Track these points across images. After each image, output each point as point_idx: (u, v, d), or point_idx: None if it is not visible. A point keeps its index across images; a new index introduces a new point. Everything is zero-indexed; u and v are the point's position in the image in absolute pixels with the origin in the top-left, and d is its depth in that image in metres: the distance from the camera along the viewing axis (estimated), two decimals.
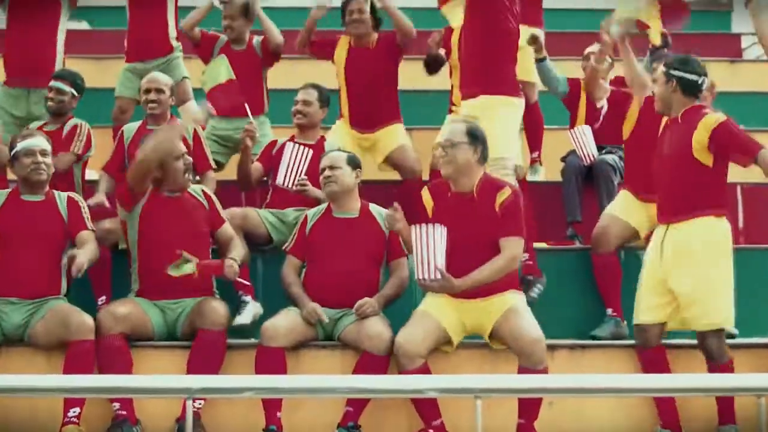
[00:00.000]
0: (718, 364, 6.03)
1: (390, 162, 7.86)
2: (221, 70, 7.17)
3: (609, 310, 6.95)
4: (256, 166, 7.24)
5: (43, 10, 7.98)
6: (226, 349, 6.10)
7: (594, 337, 6.76)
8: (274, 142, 7.37)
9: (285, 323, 6.13)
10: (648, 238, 6.57)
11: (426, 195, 6.30)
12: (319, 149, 7.09)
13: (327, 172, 6.42)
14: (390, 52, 7.79)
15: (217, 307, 6.12)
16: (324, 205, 6.54)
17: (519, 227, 6.07)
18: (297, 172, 6.92)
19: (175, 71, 8.16)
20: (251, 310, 6.76)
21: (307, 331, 6.23)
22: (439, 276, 5.84)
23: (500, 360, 6.14)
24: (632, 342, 6.39)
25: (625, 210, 6.96)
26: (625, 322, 6.85)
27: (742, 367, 6.12)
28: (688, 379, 4.94)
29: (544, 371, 5.89)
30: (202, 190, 6.49)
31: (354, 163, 6.50)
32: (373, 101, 7.74)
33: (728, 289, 6.08)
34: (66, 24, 8.10)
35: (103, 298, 6.65)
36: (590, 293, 7.12)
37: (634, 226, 6.93)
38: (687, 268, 6.06)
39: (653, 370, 6.10)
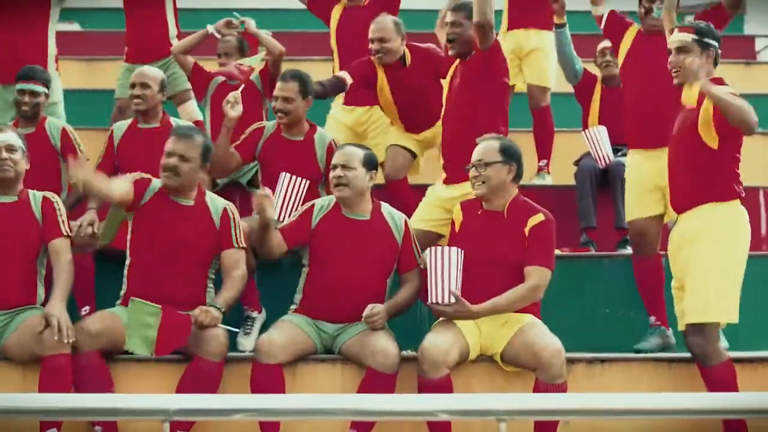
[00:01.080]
0: (706, 365, 5.49)
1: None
2: None
3: (652, 319, 6.40)
4: (234, 154, 6.52)
5: (31, 11, 7.49)
6: (220, 380, 5.55)
7: (638, 351, 6.21)
8: (260, 131, 6.64)
9: (282, 338, 5.59)
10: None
11: (457, 210, 5.85)
12: (309, 144, 6.55)
13: (339, 172, 5.77)
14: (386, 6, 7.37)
15: (220, 334, 5.53)
16: (333, 199, 5.91)
17: (547, 257, 5.61)
18: (293, 205, 6.22)
19: (176, 80, 7.81)
20: (257, 328, 6.26)
21: (306, 345, 5.70)
22: (453, 300, 5.41)
23: (514, 375, 5.64)
24: (652, 356, 6.00)
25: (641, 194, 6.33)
26: (670, 330, 6.29)
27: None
28: (736, 398, 4.31)
29: (563, 386, 5.40)
30: (225, 208, 5.82)
31: (370, 164, 5.84)
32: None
33: (723, 280, 5.48)
34: (56, 25, 7.61)
35: (87, 308, 6.14)
36: (606, 303, 6.68)
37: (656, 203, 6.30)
38: (685, 259, 5.58)
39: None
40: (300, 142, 6.56)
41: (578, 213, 7.43)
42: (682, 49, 5.58)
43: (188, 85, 7.74)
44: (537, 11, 8.04)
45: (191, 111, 7.96)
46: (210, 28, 7.53)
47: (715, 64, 5.64)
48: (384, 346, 5.49)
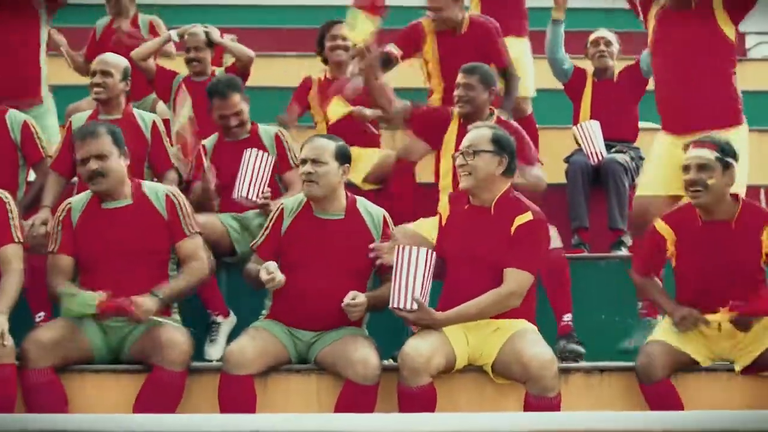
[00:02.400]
0: None
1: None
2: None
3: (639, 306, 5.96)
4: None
5: (20, 20, 6.81)
6: (183, 392, 5.01)
7: (626, 351, 5.77)
8: (202, 150, 6.20)
9: (253, 346, 5.04)
10: None
11: (443, 202, 5.35)
12: (255, 139, 6.22)
13: (308, 167, 5.18)
14: None
15: (179, 342, 4.97)
16: (302, 198, 5.34)
17: (530, 259, 5.05)
18: (260, 183, 5.78)
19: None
20: (224, 334, 5.74)
21: (280, 354, 5.14)
22: (415, 306, 4.88)
23: (506, 387, 5.10)
24: None
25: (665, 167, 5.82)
26: None
27: None
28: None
29: (556, 399, 4.88)
30: (167, 194, 5.28)
31: (343, 157, 5.25)
32: None
33: None
34: (46, 35, 7.00)
35: (42, 314, 5.56)
36: (603, 308, 6.17)
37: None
38: None
39: None
40: (246, 140, 6.20)
41: (569, 213, 6.96)
42: (703, 167, 5.15)
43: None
44: (511, 19, 7.64)
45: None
46: (172, 34, 7.30)
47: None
48: (363, 355, 4.95)
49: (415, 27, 6.87)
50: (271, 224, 5.31)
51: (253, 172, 5.79)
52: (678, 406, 5.08)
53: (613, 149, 7.04)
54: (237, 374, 4.93)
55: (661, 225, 5.31)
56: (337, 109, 6.65)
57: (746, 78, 9.47)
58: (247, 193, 5.78)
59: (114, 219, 5.18)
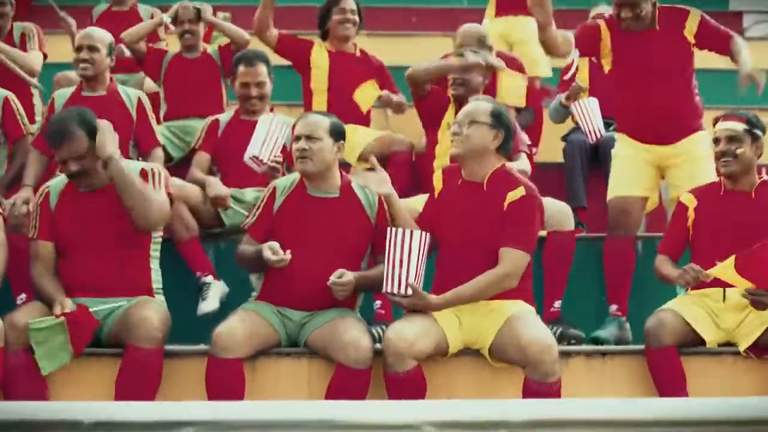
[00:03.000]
0: None
1: None
2: None
3: (613, 307, 5.73)
4: (203, 157, 5.99)
5: None
6: (161, 369, 4.78)
7: (597, 340, 5.54)
8: (215, 123, 6.07)
9: (242, 328, 4.81)
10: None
11: (438, 176, 5.09)
12: None
13: (302, 143, 4.96)
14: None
15: (149, 318, 4.72)
16: (296, 176, 5.12)
17: (525, 238, 4.82)
18: (273, 146, 5.55)
19: None
20: (217, 291, 5.57)
21: (270, 337, 4.92)
22: (409, 292, 4.67)
23: (502, 372, 4.88)
24: None
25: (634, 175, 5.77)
26: (628, 324, 5.67)
27: None
28: None
29: (556, 385, 4.66)
30: (142, 169, 5.01)
31: (338, 134, 5.05)
32: None
33: None
34: None
35: (23, 296, 5.30)
36: (601, 290, 5.88)
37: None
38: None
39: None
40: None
41: (567, 192, 6.76)
42: (732, 139, 5.20)
43: None
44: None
45: None
46: (165, 17, 7.08)
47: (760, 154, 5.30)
48: (354, 338, 4.73)
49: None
50: (263, 203, 5.08)
51: (267, 134, 5.54)
52: (680, 377, 4.95)
53: (612, 127, 6.65)
54: (225, 357, 4.71)
55: (684, 195, 5.32)
56: (369, 91, 6.46)
57: None
58: (259, 152, 5.51)
59: (91, 202, 4.96)
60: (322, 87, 6.82)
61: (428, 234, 4.71)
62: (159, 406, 2.92)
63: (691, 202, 5.27)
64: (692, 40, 5.66)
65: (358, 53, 6.94)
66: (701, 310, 5.07)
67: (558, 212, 5.51)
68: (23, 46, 6.84)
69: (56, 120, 5.01)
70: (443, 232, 4.89)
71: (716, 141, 5.24)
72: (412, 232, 4.66)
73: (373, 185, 4.92)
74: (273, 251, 4.77)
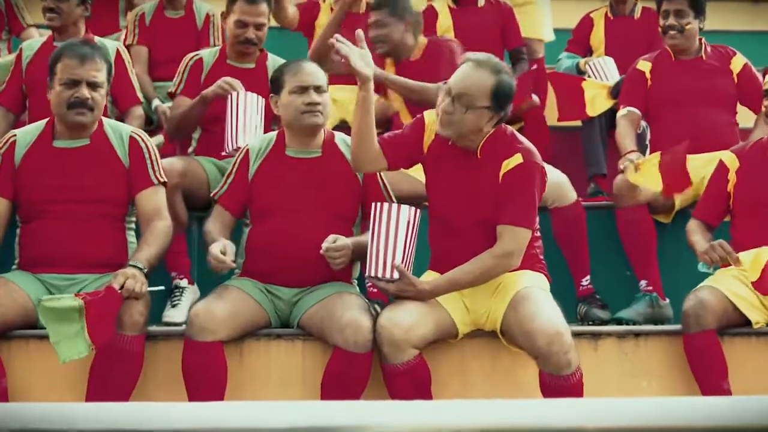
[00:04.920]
0: None
1: None
2: None
3: (642, 283, 5.03)
4: (185, 103, 5.06)
5: None
6: (142, 357, 4.08)
7: (621, 321, 4.85)
8: (199, 64, 5.18)
9: (224, 307, 4.11)
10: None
11: (430, 122, 4.23)
12: (261, 71, 5.13)
13: (314, 96, 4.30)
14: None
15: (133, 301, 4.01)
16: (271, 137, 4.43)
17: (524, 212, 4.08)
18: (254, 127, 4.72)
19: None
20: (189, 299, 4.79)
21: (256, 316, 4.23)
22: (396, 276, 3.95)
23: (522, 354, 4.14)
24: None
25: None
26: (667, 300, 4.97)
27: None
28: None
29: (574, 377, 3.92)
30: (132, 136, 4.32)
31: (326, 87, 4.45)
32: None
33: None
34: None
35: None
36: (625, 263, 5.12)
37: None
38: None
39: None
40: (251, 70, 5.14)
41: (585, 159, 6.03)
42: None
43: None
44: None
45: None
46: None
47: None
48: (353, 317, 4.03)
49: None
50: (234, 169, 4.39)
51: (244, 117, 4.71)
52: (723, 365, 4.27)
53: None
54: (203, 340, 4.02)
55: (725, 155, 4.66)
56: None
57: (762, 20, 9.03)
58: (243, 141, 4.65)
59: (66, 161, 4.24)
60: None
61: (418, 209, 4.00)
62: (110, 410, 2.19)
63: (732, 162, 4.63)
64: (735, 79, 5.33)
65: (362, 10, 6.22)
66: (744, 287, 4.37)
67: (555, 187, 4.76)
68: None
69: (81, 42, 4.44)
70: (434, 205, 4.19)
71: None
72: (399, 206, 3.97)
73: (355, 58, 4.04)
74: (215, 257, 4.05)
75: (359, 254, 4.18)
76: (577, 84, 5.94)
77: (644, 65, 5.47)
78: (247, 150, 4.38)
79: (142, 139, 4.31)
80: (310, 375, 4.16)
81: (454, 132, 4.08)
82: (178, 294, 4.76)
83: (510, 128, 4.21)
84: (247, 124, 4.68)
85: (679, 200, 5.12)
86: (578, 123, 6.14)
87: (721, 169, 4.66)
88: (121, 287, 3.91)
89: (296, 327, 4.25)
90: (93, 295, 3.87)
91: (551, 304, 4.05)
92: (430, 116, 4.22)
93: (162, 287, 4.23)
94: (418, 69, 5.32)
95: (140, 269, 4.01)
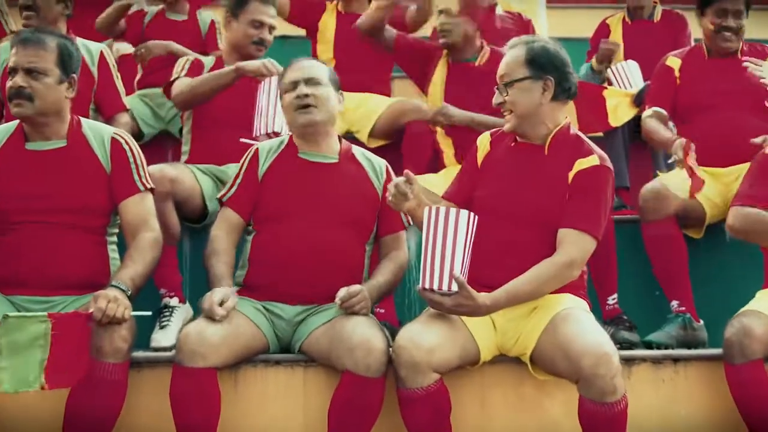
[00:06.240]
0: None
1: None
2: None
3: (674, 304, 4.62)
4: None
5: None
6: (125, 389, 3.63)
7: (651, 345, 4.43)
8: (199, 64, 4.88)
9: (216, 329, 3.66)
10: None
11: (484, 139, 3.94)
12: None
13: (304, 89, 3.92)
14: None
15: (115, 326, 3.56)
16: (283, 138, 4.04)
17: (594, 219, 3.69)
18: (274, 111, 4.39)
19: None
20: (180, 319, 4.37)
21: (253, 340, 3.79)
22: (454, 288, 3.50)
23: (550, 383, 3.76)
24: None
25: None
26: (701, 322, 4.56)
27: None
28: None
29: (621, 405, 3.50)
30: (113, 137, 3.88)
31: (336, 84, 4.05)
32: None
33: None
34: None
35: None
36: (653, 282, 4.71)
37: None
38: None
39: None
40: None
41: None
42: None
43: None
44: None
45: None
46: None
47: None
48: (365, 338, 3.60)
49: None
50: (243, 170, 3.98)
51: (277, 103, 4.34)
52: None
53: None
54: (194, 366, 3.58)
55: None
56: None
57: None
58: (278, 127, 4.34)
59: (40, 164, 3.79)
60: (328, 55, 5.82)
61: (476, 216, 3.56)
62: None
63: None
64: None
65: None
66: None
67: None
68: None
69: (36, 29, 3.98)
70: (485, 205, 3.77)
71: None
72: (458, 211, 3.52)
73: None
74: (211, 304, 3.65)
75: (375, 298, 3.83)
76: (598, 93, 5.56)
77: (673, 62, 5.06)
78: (257, 149, 3.98)
79: (126, 141, 3.88)
80: (312, 405, 3.75)
81: (516, 119, 3.78)
82: (167, 314, 4.34)
83: (578, 131, 3.88)
84: (279, 111, 4.31)
85: (710, 214, 4.71)
86: (600, 134, 5.78)
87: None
88: (102, 314, 3.47)
89: (298, 351, 3.84)
90: (67, 319, 3.42)
91: (596, 326, 3.65)
92: (480, 138, 3.96)
93: (149, 312, 3.77)
94: (480, 75, 4.97)
95: (123, 291, 3.58)
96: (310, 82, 3.92)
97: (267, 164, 3.94)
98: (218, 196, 4.02)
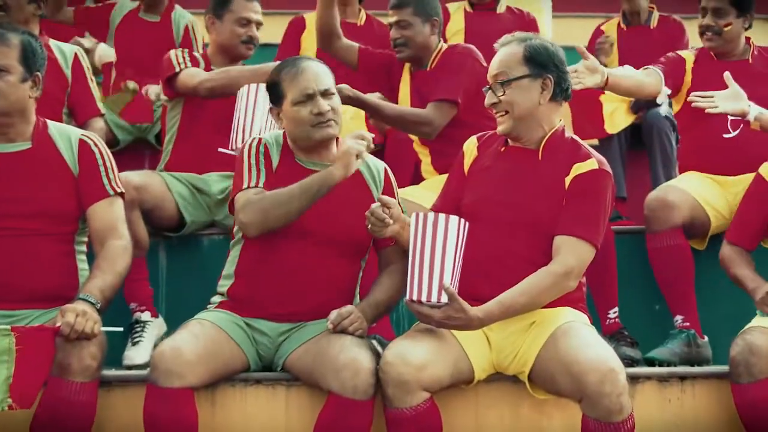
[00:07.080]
0: None
1: None
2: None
3: (678, 319, 4.42)
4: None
5: None
6: (94, 411, 3.41)
7: (653, 361, 4.22)
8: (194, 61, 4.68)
9: (193, 346, 3.43)
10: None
11: (471, 144, 3.73)
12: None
13: (324, 104, 3.60)
14: None
15: (81, 343, 3.34)
16: (278, 135, 3.75)
17: (593, 226, 3.49)
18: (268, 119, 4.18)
19: None
20: (152, 335, 4.16)
21: (233, 358, 3.55)
22: (444, 300, 3.28)
23: (548, 403, 3.55)
24: None
25: (695, 186, 4.58)
26: (706, 338, 4.37)
27: None
28: None
29: (628, 425, 3.30)
30: (81, 139, 3.64)
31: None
32: None
33: None
34: None
35: None
36: (653, 295, 4.55)
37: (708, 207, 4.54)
38: None
39: None
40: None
41: None
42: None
43: None
44: None
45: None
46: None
47: None
48: (352, 357, 3.38)
49: None
50: (261, 158, 3.65)
51: (253, 115, 4.19)
52: None
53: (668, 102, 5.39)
54: (170, 386, 3.34)
55: (764, 167, 4.01)
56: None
57: None
58: (258, 133, 4.10)
59: (3, 167, 3.57)
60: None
61: (466, 222, 3.35)
62: None
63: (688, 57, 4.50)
64: None
65: (361, 22, 5.71)
66: None
67: None
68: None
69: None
70: (474, 212, 3.54)
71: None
72: (447, 217, 3.30)
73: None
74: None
75: (374, 317, 3.61)
76: (595, 98, 5.35)
77: (687, 55, 4.79)
78: (265, 143, 3.69)
79: (94, 143, 3.65)
80: (295, 427, 3.55)
81: (512, 120, 3.57)
82: (138, 329, 4.12)
83: (572, 134, 3.67)
84: (257, 121, 4.16)
85: (715, 225, 4.50)
86: (595, 141, 5.61)
87: (760, 183, 4.03)
88: (71, 329, 3.23)
89: (281, 369, 3.61)
90: (32, 334, 3.18)
91: (600, 340, 3.45)
92: (466, 144, 3.73)
93: (120, 328, 3.54)
94: (429, 79, 4.71)
95: (92, 304, 3.34)
96: (326, 94, 3.63)
97: (276, 160, 3.65)
98: (245, 185, 3.60)
